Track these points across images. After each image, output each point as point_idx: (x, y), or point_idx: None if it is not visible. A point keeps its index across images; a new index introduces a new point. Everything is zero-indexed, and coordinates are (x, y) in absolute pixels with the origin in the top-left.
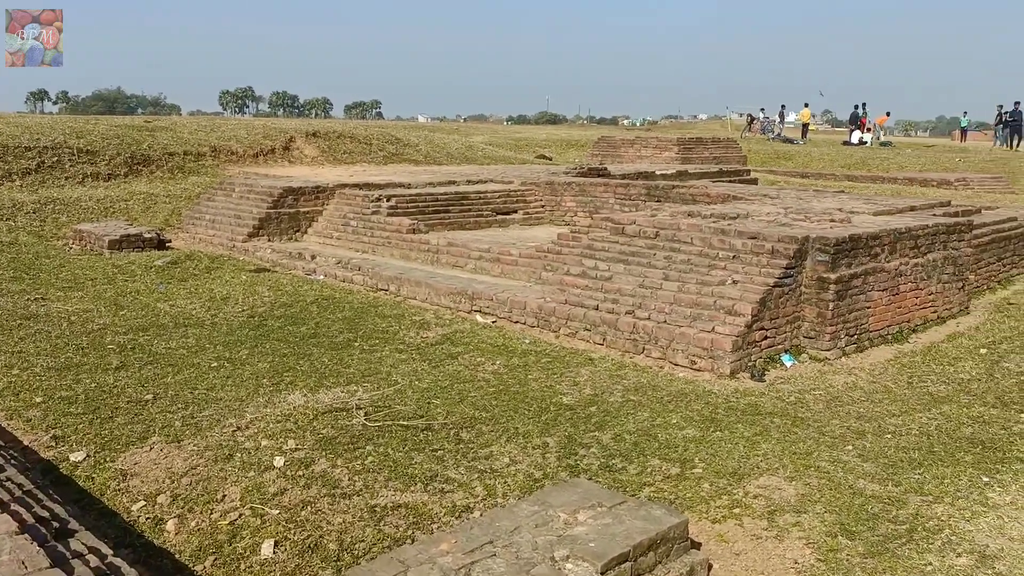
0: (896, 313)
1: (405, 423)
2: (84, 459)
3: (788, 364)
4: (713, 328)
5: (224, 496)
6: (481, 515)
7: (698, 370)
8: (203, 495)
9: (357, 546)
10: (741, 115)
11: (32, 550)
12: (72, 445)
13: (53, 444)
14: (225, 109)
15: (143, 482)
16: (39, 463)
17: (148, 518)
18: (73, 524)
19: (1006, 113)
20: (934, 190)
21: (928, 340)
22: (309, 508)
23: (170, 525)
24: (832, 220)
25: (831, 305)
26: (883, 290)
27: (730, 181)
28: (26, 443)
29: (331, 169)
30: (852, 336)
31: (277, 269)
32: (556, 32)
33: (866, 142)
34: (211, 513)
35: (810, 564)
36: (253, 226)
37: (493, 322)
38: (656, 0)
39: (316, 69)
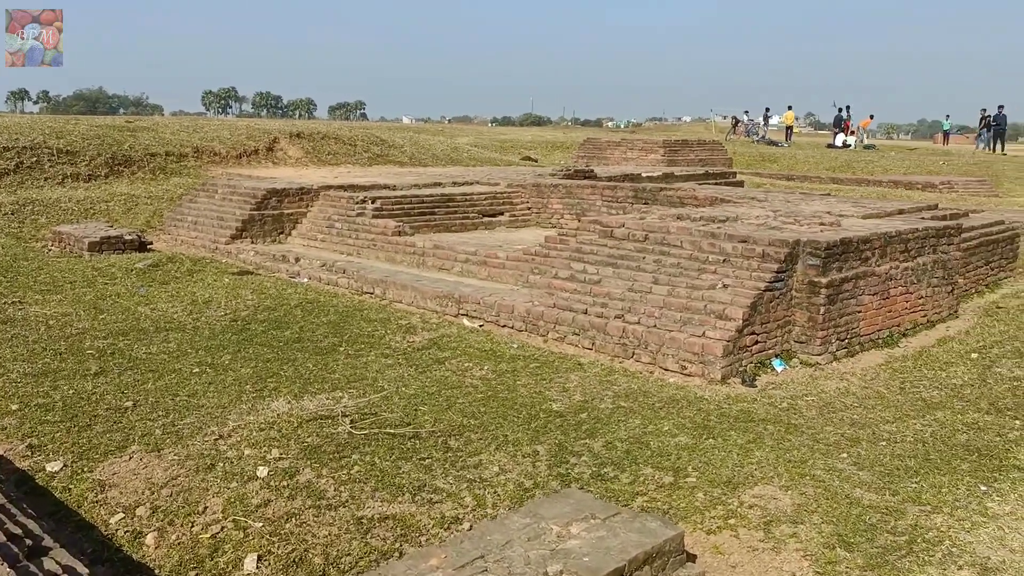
0: (886, 317)
1: (392, 431)
2: (61, 469)
3: (779, 369)
4: (704, 333)
5: (206, 508)
6: (471, 528)
7: (689, 375)
8: (184, 507)
9: (343, 560)
10: (725, 117)
11: (2, 571)
12: (49, 454)
13: (29, 453)
14: (208, 109)
15: (122, 493)
16: (14, 473)
17: (127, 531)
18: (48, 541)
19: (990, 117)
20: (919, 193)
21: (918, 344)
22: (293, 520)
23: (149, 539)
24: (822, 223)
25: (822, 309)
26: (874, 294)
27: (716, 183)
28: (0, 453)
29: (315, 170)
30: (843, 340)
31: (260, 272)
32: (540, 33)
33: (850, 145)
34: (192, 526)
35: None
36: (236, 228)
37: (480, 326)
38: (642, 2)
39: (300, 70)
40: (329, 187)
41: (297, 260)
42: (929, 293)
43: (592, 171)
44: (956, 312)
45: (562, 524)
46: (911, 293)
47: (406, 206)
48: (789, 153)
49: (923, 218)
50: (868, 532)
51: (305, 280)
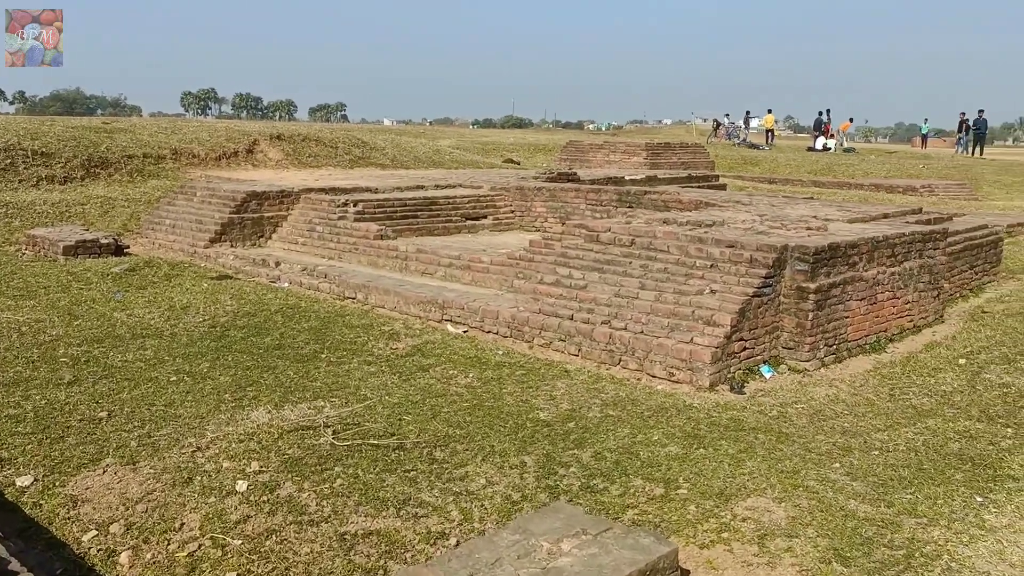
0: (874, 322)
1: (375, 442)
2: (31, 484)
3: (767, 375)
4: (692, 339)
5: (182, 525)
6: (458, 544)
7: (677, 382)
8: (160, 523)
9: None
10: (706, 120)
11: None
12: (19, 468)
13: None
14: (187, 111)
15: (95, 509)
16: None
17: (100, 549)
18: (14, 565)
19: (969, 120)
20: (901, 196)
21: (905, 350)
22: (274, 537)
23: (123, 557)
24: (809, 228)
25: (810, 315)
26: (861, 299)
27: (700, 187)
28: None
29: (296, 173)
30: (831, 346)
31: (240, 276)
32: (520, 34)
33: (830, 148)
34: (168, 544)
35: None
36: (215, 231)
37: (465, 332)
38: (622, 4)
39: (280, 71)
40: (310, 190)
41: (277, 264)
42: (916, 298)
43: (575, 174)
44: (942, 317)
45: (552, 540)
46: (898, 298)
47: (388, 209)
48: (770, 156)
49: (908, 222)
50: (865, 546)
51: (286, 285)
